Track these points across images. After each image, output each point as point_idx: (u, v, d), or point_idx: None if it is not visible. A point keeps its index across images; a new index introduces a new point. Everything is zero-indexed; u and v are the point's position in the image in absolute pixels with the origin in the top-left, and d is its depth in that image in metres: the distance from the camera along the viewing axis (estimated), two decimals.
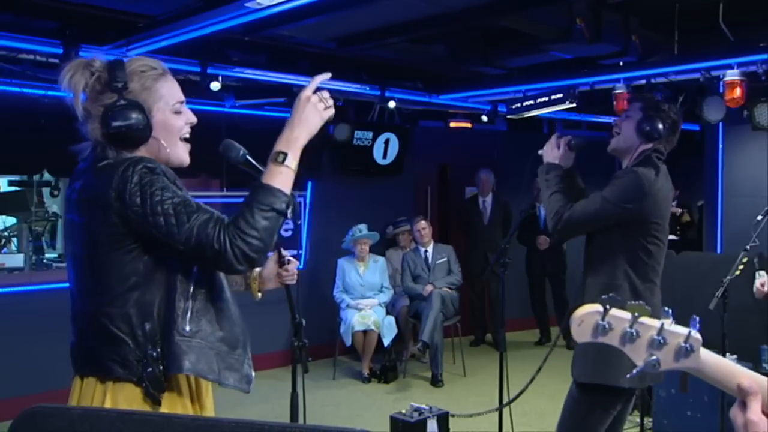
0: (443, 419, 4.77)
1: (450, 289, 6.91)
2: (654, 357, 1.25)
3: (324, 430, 1.11)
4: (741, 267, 3.89)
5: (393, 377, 6.66)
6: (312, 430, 1.12)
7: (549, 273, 7.96)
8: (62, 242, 7.67)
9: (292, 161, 1.89)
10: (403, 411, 4.71)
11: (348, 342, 6.61)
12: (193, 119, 2.01)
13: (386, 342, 6.64)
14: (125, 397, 1.78)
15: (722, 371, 1.27)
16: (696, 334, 1.26)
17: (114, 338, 1.80)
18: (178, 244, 1.75)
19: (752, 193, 6.59)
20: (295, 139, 1.93)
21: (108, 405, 1.77)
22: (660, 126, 2.87)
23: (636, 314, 1.24)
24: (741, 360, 4.94)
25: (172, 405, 1.85)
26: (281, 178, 1.86)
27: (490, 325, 8.12)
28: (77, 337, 1.89)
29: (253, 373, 1.99)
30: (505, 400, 4.02)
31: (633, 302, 1.25)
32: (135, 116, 1.85)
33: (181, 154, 1.99)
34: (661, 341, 1.25)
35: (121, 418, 1.20)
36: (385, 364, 6.69)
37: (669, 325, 1.26)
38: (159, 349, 1.80)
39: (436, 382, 6.50)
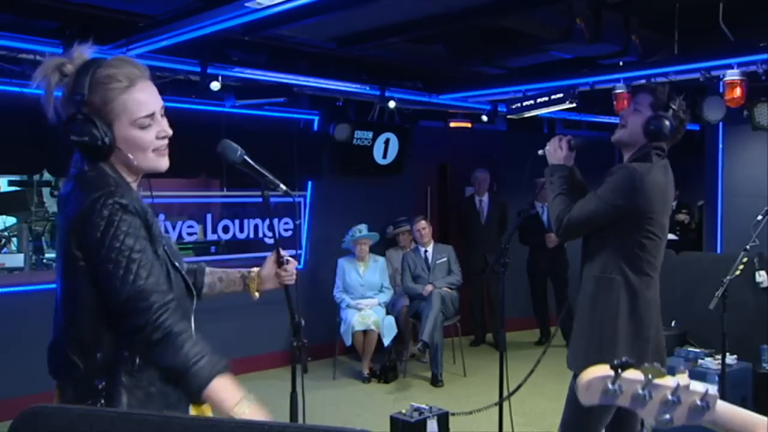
0: (443, 419, 4.78)
1: (450, 289, 6.91)
2: (667, 416, 1.19)
3: (324, 430, 1.11)
4: (741, 267, 3.90)
5: (393, 377, 6.66)
6: (312, 430, 1.12)
7: (552, 272, 7.96)
8: None
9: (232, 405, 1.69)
10: (403, 411, 4.71)
11: (348, 342, 6.61)
12: (168, 131, 1.90)
13: (386, 342, 6.63)
14: None
15: (739, 423, 1.22)
16: (713, 391, 1.20)
17: (69, 360, 1.76)
18: (112, 299, 1.69)
19: (752, 193, 6.59)
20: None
21: None
22: (667, 125, 2.86)
23: (650, 376, 1.17)
24: (741, 360, 4.95)
25: None
26: (220, 393, 1.70)
27: (490, 325, 8.11)
28: (51, 343, 1.86)
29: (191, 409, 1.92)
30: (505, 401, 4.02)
31: (648, 365, 1.18)
32: (90, 132, 1.79)
33: (153, 164, 1.90)
34: (676, 401, 1.19)
35: (121, 417, 1.20)
36: (385, 364, 6.69)
37: (685, 382, 1.18)
38: (104, 383, 1.74)
39: (436, 382, 6.50)
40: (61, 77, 1.84)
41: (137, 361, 1.75)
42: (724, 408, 1.21)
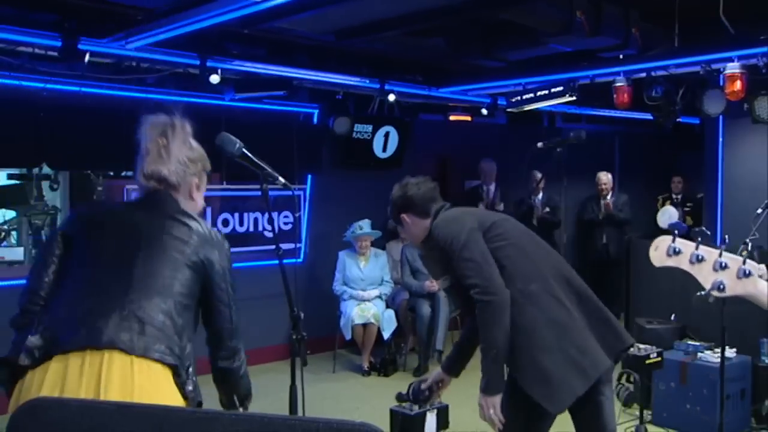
0: (443, 412, 4.78)
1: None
2: (719, 279, 1.51)
3: (324, 423, 1.11)
4: None
5: (393, 370, 6.66)
6: (312, 423, 1.12)
7: None
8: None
9: None
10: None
11: (348, 335, 6.61)
12: None
13: (386, 335, 6.64)
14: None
15: None
16: (752, 262, 1.52)
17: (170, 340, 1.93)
18: (226, 324, 2.14)
19: (752, 186, 6.59)
20: None
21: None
22: (402, 203, 3.02)
23: (699, 240, 1.54)
24: (740, 353, 4.95)
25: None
26: None
27: None
28: (142, 319, 1.92)
29: None
30: None
31: (697, 229, 1.54)
32: None
33: None
34: (724, 265, 1.51)
35: (120, 410, 1.20)
36: (385, 357, 6.70)
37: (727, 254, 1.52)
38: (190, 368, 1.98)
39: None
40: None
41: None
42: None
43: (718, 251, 1.52)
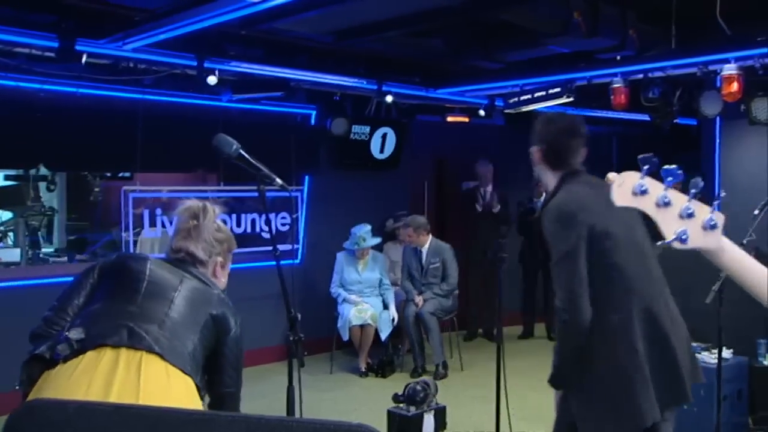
0: (440, 413, 4.78)
1: (441, 295, 6.81)
2: (683, 229, 1.34)
3: (321, 424, 1.11)
4: None
5: (390, 371, 6.66)
6: (309, 424, 1.11)
7: (543, 265, 7.94)
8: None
9: None
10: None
11: (345, 336, 6.60)
12: None
13: (383, 336, 6.64)
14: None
15: (740, 261, 1.46)
16: (719, 213, 1.38)
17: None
18: (231, 388, 2.28)
19: (749, 187, 6.59)
20: None
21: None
22: (549, 141, 2.84)
23: (669, 179, 1.36)
24: (737, 354, 4.96)
25: None
26: None
27: (483, 318, 8.08)
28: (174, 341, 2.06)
29: None
30: (502, 393, 4.04)
31: (668, 166, 1.37)
32: None
33: None
34: (691, 213, 1.35)
35: (117, 411, 1.20)
36: (382, 358, 6.69)
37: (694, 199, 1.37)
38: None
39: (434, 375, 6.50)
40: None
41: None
42: (730, 244, 1.42)
43: (686, 197, 1.36)
